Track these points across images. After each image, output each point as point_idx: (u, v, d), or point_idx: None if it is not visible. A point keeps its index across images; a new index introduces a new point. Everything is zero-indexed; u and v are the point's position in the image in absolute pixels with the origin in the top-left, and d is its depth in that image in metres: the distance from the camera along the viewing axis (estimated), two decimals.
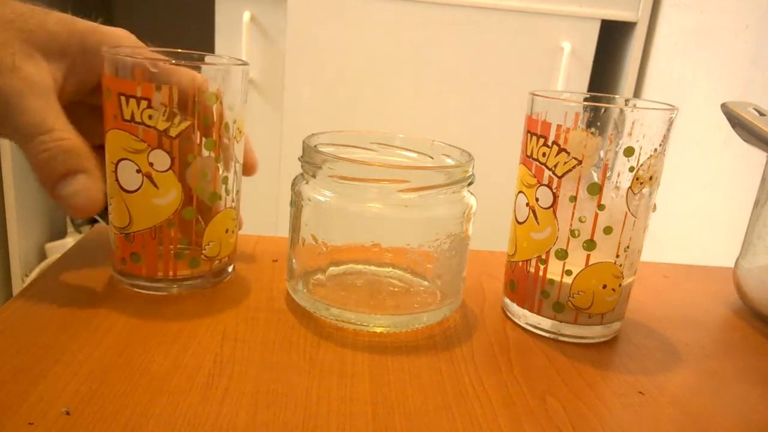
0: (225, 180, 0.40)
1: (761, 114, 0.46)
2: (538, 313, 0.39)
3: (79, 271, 0.43)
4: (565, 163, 0.36)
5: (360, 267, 0.41)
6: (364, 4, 1.19)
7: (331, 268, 0.41)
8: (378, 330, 0.39)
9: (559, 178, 0.37)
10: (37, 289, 0.39)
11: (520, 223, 0.39)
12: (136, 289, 0.40)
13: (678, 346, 0.41)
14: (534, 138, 0.38)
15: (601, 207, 0.36)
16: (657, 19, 1.21)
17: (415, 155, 0.44)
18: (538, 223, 0.38)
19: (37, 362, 0.32)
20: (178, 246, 0.39)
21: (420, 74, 1.23)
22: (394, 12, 1.20)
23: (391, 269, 0.41)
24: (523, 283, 0.40)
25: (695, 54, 1.06)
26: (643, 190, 0.37)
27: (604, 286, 0.38)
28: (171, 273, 0.40)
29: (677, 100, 1.10)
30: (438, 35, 1.21)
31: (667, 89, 1.14)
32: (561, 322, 0.39)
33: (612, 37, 1.28)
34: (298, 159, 0.39)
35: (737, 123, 0.46)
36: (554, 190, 0.37)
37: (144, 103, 0.36)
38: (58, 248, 1.39)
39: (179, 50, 0.40)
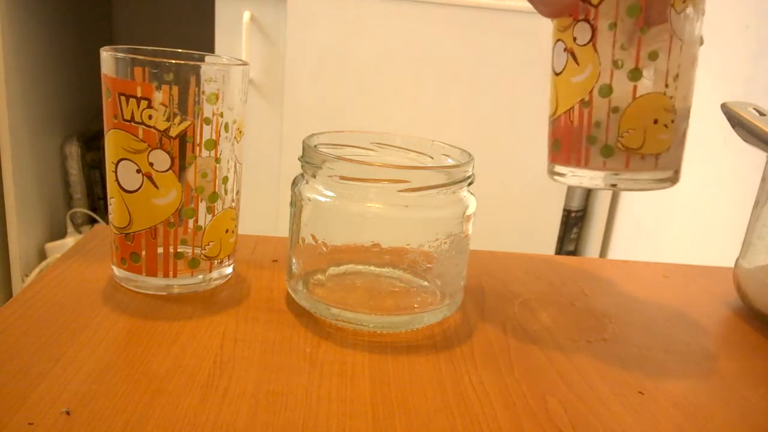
0: (225, 180, 0.40)
1: (761, 114, 0.46)
2: (586, 165, 0.35)
3: (79, 271, 0.43)
4: None
5: (360, 267, 0.41)
6: (364, 4, 1.19)
7: (331, 268, 0.41)
8: (378, 330, 0.39)
9: (596, 6, 0.33)
10: (37, 289, 0.39)
11: (558, 73, 0.36)
12: (136, 289, 0.40)
13: (678, 346, 0.41)
14: None
15: (643, 30, 0.33)
16: None
17: (415, 155, 0.44)
18: (578, 64, 0.35)
19: (37, 362, 0.32)
20: (178, 246, 0.39)
21: (420, 74, 1.23)
22: (394, 12, 1.19)
23: (391, 269, 0.41)
24: (568, 137, 0.36)
25: None
26: (687, 10, 0.34)
27: (656, 121, 0.34)
28: (171, 273, 0.40)
29: None
30: (438, 35, 1.21)
31: None
32: (612, 171, 0.35)
33: None
34: (298, 159, 0.39)
35: (737, 123, 0.46)
36: (592, 22, 0.34)
37: (144, 103, 0.36)
38: (58, 248, 1.39)
39: (179, 50, 0.40)
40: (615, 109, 0.35)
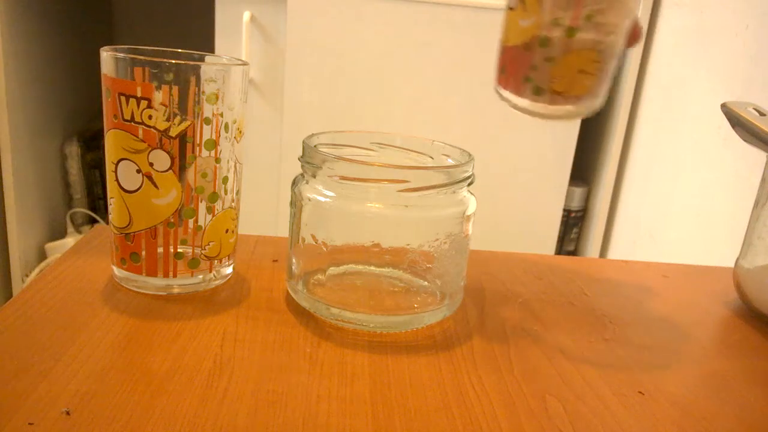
0: (225, 180, 0.40)
1: (761, 114, 0.46)
2: (521, 96, 0.40)
3: (79, 271, 0.43)
4: None
5: (360, 267, 0.41)
6: (364, 4, 1.19)
7: (331, 268, 0.41)
8: (378, 330, 0.39)
9: None
10: (37, 289, 0.39)
11: (511, 9, 0.40)
12: (136, 289, 0.40)
13: (678, 346, 0.41)
14: None
15: None
16: (657, 19, 1.21)
17: (415, 155, 0.44)
18: (526, 10, 0.38)
19: (37, 362, 0.32)
20: (178, 246, 0.39)
21: (420, 74, 1.23)
22: (394, 12, 1.19)
23: (391, 269, 0.41)
24: (510, 68, 0.40)
25: (695, 54, 1.06)
26: None
27: (583, 71, 0.38)
28: (171, 273, 0.40)
29: (677, 100, 1.10)
30: (438, 35, 1.21)
31: (667, 89, 1.14)
32: (540, 103, 0.39)
33: None
34: (298, 159, 0.39)
35: (737, 123, 0.46)
36: None
37: (144, 103, 0.36)
38: (58, 248, 1.39)
39: (179, 50, 0.40)
40: (549, 59, 0.38)
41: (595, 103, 0.41)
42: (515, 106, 0.41)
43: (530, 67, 0.39)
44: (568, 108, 0.40)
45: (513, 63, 0.40)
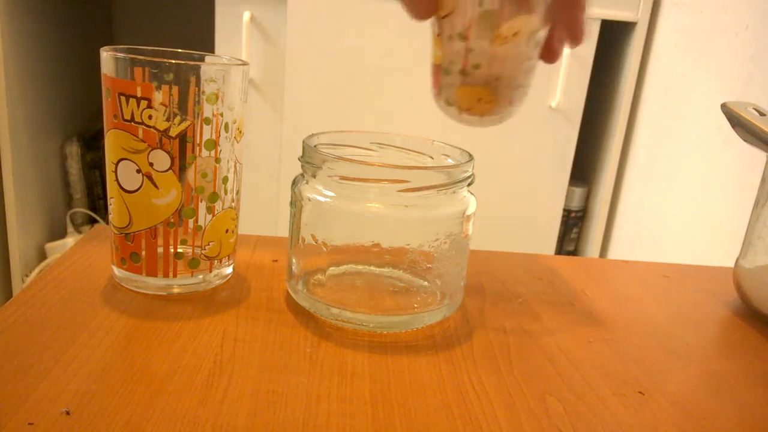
0: (225, 180, 0.40)
1: (761, 114, 0.46)
2: (441, 101, 0.44)
3: (79, 271, 0.43)
4: None
5: (360, 267, 0.41)
6: (364, 5, 1.19)
7: (331, 268, 0.41)
8: (378, 330, 0.39)
9: (441, 19, 0.41)
10: (37, 289, 0.39)
11: (434, 35, 0.44)
12: (136, 289, 0.40)
13: (678, 346, 0.41)
14: None
15: (468, 49, 0.40)
16: (657, 19, 1.21)
17: (415, 155, 0.44)
18: (435, 40, 0.43)
19: (37, 362, 0.32)
20: (178, 246, 0.39)
21: (420, 74, 1.23)
22: (395, 12, 1.19)
23: (391, 269, 0.41)
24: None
25: (695, 54, 1.06)
26: (507, 45, 0.40)
27: (481, 99, 0.42)
28: (171, 273, 0.40)
29: (677, 100, 1.10)
30: None
31: (667, 89, 1.14)
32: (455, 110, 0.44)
33: (612, 37, 1.28)
34: (298, 159, 0.39)
35: (737, 123, 0.46)
36: (440, 23, 0.42)
37: (144, 103, 0.36)
38: (58, 248, 1.39)
39: (179, 50, 0.40)
40: (451, 85, 0.42)
41: (501, 118, 0.44)
42: (441, 108, 0.45)
43: (441, 86, 0.44)
44: (475, 119, 0.44)
45: (434, 75, 0.44)
